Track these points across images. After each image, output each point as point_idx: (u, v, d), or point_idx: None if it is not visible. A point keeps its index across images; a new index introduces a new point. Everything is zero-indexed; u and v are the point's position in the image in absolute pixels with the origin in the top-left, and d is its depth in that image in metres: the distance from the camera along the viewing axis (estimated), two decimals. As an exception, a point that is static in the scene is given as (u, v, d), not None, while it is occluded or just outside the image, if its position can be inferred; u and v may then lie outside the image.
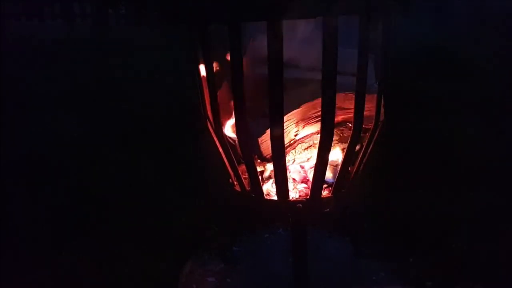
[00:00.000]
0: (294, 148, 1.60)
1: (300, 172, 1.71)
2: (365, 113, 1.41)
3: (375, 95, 1.49)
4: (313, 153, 1.60)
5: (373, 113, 1.50)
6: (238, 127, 1.40)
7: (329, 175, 1.62)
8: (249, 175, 1.50)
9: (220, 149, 1.56)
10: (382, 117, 1.53)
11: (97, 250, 2.03)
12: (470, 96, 4.08)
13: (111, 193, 2.51)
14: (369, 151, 1.57)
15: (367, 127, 1.51)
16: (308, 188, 1.59)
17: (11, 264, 1.97)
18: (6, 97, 4.38)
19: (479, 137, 3.16)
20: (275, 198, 1.54)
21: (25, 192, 2.56)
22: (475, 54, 5.53)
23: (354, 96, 1.38)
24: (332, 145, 1.43)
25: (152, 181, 2.66)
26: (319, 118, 1.38)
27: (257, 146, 1.57)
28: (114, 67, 5.65)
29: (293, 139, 1.59)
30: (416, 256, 1.94)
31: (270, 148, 1.40)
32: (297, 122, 1.57)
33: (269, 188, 1.64)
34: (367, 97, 1.40)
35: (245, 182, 1.58)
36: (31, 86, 4.91)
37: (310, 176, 1.61)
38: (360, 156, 1.58)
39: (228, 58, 1.31)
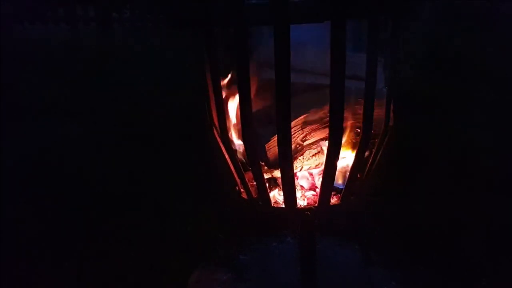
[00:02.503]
0: (302, 155, 1.60)
1: (308, 179, 1.72)
2: (374, 118, 1.41)
3: (384, 100, 1.49)
4: (322, 159, 1.60)
5: (382, 118, 1.50)
6: (244, 133, 1.40)
7: (338, 181, 1.62)
8: (256, 182, 1.51)
9: (226, 156, 1.56)
10: (391, 122, 1.53)
11: (100, 258, 2.04)
12: (483, 100, 4.07)
13: (115, 200, 2.52)
14: (378, 157, 1.57)
15: (376, 132, 1.51)
16: (317, 195, 1.60)
17: (13, 270, 1.98)
18: (9, 101, 4.41)
19: (493, 142, 3.14)
20: (283, 205, 1.54)
21: (27, 198, 2.58)
22: (487, 56, 5.51)
23: (363, 101, 1.39)
24: (341, 151, 1.43)
25: (158, 189, 2.66)
26: (327, 124, 1.38)
27: (264, 153, 1.57)
28: (119, 71, 5.67)
29: (300, 145, 1.59)
30: (427, 264, 1.94)
31: (277, 155, 1.40)
32: (304, 128, 1.57)
33: (277, 196, 1.64)
34: (376, 102, 1.40)
35: (252, 189, 1.58)
36: (33, 89, 4.94)
37: (319, 183, 1.62)
38: (370, 162, 1.58)
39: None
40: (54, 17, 9.71)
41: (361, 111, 1.40)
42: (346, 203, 1.57)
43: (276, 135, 1.37)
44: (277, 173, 1.61)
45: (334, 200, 1.59)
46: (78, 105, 4.43)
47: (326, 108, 1.41)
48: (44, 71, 5.74)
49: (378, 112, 1.47)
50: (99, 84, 5.15)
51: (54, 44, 7.63)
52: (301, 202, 1.61)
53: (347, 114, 1.49)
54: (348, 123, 1.57)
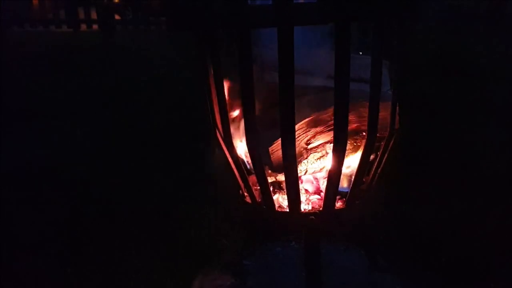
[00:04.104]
0: (306, 158, 1.60)
1: (312, 183, 1.72)
2: (379, 121, 1.41)
3: (390, 103, 1.49)
4: (326, 163, 1.60)
5: (388, 121, 1.50)
6: (248, 137, 1.41)
7: (343, 185, 1.62)
8: (259, 186, 1.51)
9: (230, 160, 1.56)
10: (397, 125, 1.53)
11: (103, 264, 2.04)
12: (489, 102, 4.06)
13: (118, 206, 2.52)
14: (384, 160, 1.57)
15: (381, 135, 1.51)
16: (321, 199, 1.60)
17: (14, 277, 1.99)
18: (9, 103, 4.43)
19: (500, 145, 3.13)
20: (287, 210, 1.54)
21: (30, 204, 2.58)
22: (493, 58, 5.50)
23: (368, 103, 1.39)
24: (346, 154, 1.43)
25: (160, 193, 2.67)
26: (332, 127, 1.39)
27: (268, 157, 1.57)
28: (121, 74, 5.70)
29: (305, 149, 1.60)
30: (433, 269, 1.93)
31: (281, 158, 1.41)
32: (308, 131, 1.57)
33: (281, 200, 1.64)
34: (381, 104, 1.40)
35: (256, 193, 1.58)
36: (36, 94, 4.96)
37: (323, 187, 1.62)
38: (375, 166, 1.58)
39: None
40: (56, 19, 9.76)
41: (366, 114, 1.41)
42: (351, 207, 1.57)
43: (280, 139, 1.37)
44: (281, 177, 1.61)
45: (339, 204, 1.59)
46: (80, 108, 4.45)
47: (331, 111, 1.41)
48: (45, 74, 5.76)
49: (383, 115, 1.47)
50: (101, 86, 5.16)
51: (55, 47, 7.66)
52: (305, 206, 1.61)
53: (352, 117, 1.49)
54: (353, 126, 1.57)
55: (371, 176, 1.59)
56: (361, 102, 1.50)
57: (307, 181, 1.72)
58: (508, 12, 7.26)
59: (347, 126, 1.36)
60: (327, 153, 1.60)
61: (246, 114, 1.37)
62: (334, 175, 1.44)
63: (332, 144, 1.39)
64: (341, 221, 1.61)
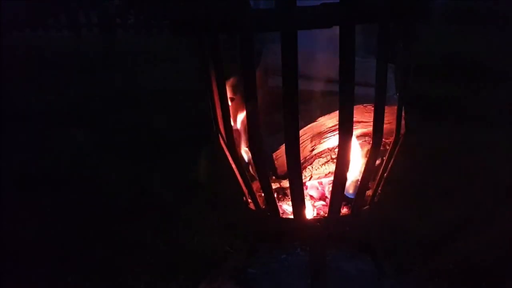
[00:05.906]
0: (311, 164, 1.60)
1: (317, 189, 1.72)
2: (385, 125, 1.41)
3: (395, 107, 1.49)
4: (331, 168, 1.60)
5: (394, 125, 1.50)
6: (251, 142, 1.40)
7: (348, 191, 1.62)
8: (264, 192, 1.51)
9: (234, 166, 1.56)
10: (403, 130, 1.53)
11: (104, 271, 2.04)
12: (498, 104, 4.05)
13: (119, 211, 2.52)
14: (390, 165, 1.57)
15: (387, 140, 1.51)
16: (327, 205, 1.59)
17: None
18: (13, 110, 4.46)
19: (509, 147, 3.12)
20: (292, 216, 1.54)
21: (31, 208, 2.59)
22: (502, 59, 5.49)
23: (373, 108, 1.39)
24: (351, 160, 1.42)
25: (163, 199, 2.67)
26: (337, 132, 1.38)
27: (272, 162, 1.57)
28: (123, 78, 5.72)
29: (309, 154, 1.59)
30: (441, 276, 1.92)
31: (285, 164, 1.40)
32: (313, 136, 1.57)
33: (285, 206, 1.64)
34: (387, 109, 1.40)
35: (260, 200, 1.58)
36: (37, 98, 4.99)
37: (328, 192, 1.61)
38: (381, 171, 1.57)
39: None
40: (56, 23, 9.78)
41: (371, 118, 1.40)
42: (357, 213, 1.57)
43: (284, 144, 1.37)
44: (286, 183, 1.61)
45: (344, 210, 1.58)
46: (82, 112, 4.47)
47: (336, 116, 1.41)
48: (47, 78, 5.79)
49: (389, 119, 1.46)
50: (103, 90, 5.19)
51: (57, 51, 7.69)
52: (310, 212, 1.61)
53: (357, 121, 1.49)
54: (359, 131, 1.57)
55: (377, 181, 1.59)
56: (367, 107, 1.49)
57: (312, 187, 1.72)
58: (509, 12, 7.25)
59: (352, 131, 1.36)
60: (332, 158, 1.60)
61: (249, 119, 1.37)
62: (339, 181, 1.44)
63: (337, 150, 1.39)
64: (346, 227, 1.60)
